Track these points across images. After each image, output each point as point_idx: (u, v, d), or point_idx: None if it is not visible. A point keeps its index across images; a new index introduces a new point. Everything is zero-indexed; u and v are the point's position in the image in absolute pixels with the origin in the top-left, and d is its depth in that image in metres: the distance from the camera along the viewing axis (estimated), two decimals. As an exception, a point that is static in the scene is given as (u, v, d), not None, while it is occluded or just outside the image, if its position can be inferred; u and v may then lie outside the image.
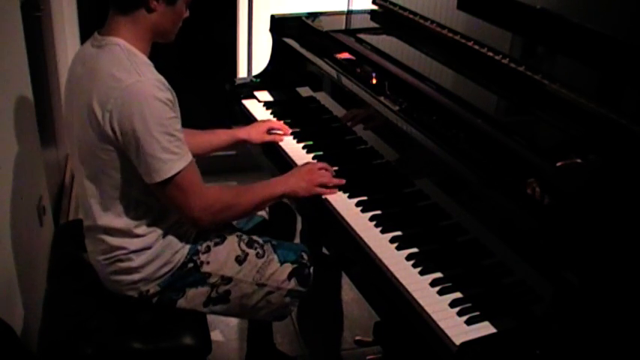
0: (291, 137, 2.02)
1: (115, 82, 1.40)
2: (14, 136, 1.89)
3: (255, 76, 2.36)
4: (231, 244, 1.67)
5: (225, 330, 2.34)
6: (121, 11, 1.46)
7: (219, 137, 1.95)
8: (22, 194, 1.91)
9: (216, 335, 2.30)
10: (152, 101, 1.39)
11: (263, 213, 1.92)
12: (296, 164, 1.87)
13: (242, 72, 3.35)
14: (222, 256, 1.64)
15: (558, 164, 1.33)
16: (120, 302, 1.60)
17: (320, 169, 1.74)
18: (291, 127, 2.06)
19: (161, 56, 1.56)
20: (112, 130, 1.41)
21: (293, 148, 1.97)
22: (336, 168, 1.82)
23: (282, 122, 2.05)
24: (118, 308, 1.60)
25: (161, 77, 1.46)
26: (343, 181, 1.73)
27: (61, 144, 2.89)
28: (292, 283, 1.69)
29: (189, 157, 1.47)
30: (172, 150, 1.43)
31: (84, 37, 3.00)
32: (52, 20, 2.80)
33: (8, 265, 1.75)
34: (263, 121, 2.05)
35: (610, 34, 1.53)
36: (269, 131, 2.01)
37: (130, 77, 1.40)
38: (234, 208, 1.60)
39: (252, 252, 1.67)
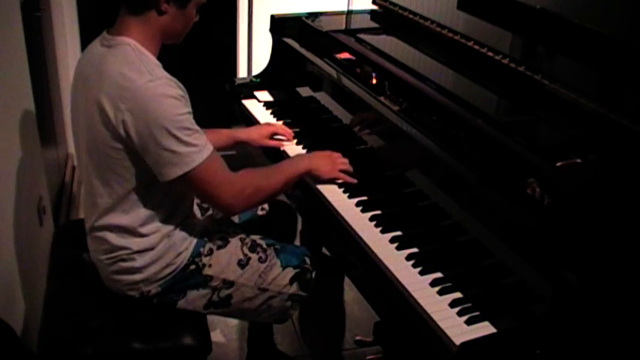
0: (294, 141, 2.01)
1: (126, 82, 1.39)
2: (14, 135, 1.89)
3: (255, 76, 2.36)
4: (234, 248, 1.66)
5: (225, 330, 2.34)
6: (131, 11, 1.46)
7: (220, 137, 1.94)
8: (22, 194, 1.91)
9: (216, 335, 2.30)
10: (166, 99, 1.39)
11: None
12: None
13: (242, 72, 3.35)
14: (224, 260, 1.64)
15: (558, 164, 1.33)
16: (120, 302, 1.60)
17: (341, 157, 1.78)
18: (290, 127, 2.05)
19: (161, 56, 1.56)
20: (126, 131, 1.41)
21: (293, 148, 1.97)
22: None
23: (285, 127, 2.01)
24: (118, 308, 1.60)
25: (172, 77, 1.45)
26: (351, 169, 1.75)
27: (61, 144, 2.89)
28: (294, 288, 1.68)
29: (210, 147, 1.47)
30: (192, 142, 1.43)
31: (84, 37, 3.00)
32: (52, 20, 2.80)
33: (8, 265, 1.75)
34: (267, 125, 2.02)
35: (610, 34, 1.53)
36: (272, 136, 1.98)
37: (141, 77, 1.39)
38: (264, 190, 1.60)
39: (254, 256, 1.67)
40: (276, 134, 1.99)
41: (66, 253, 1.78)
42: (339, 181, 1.73)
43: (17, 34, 2.01)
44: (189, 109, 1.46)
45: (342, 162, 1.76)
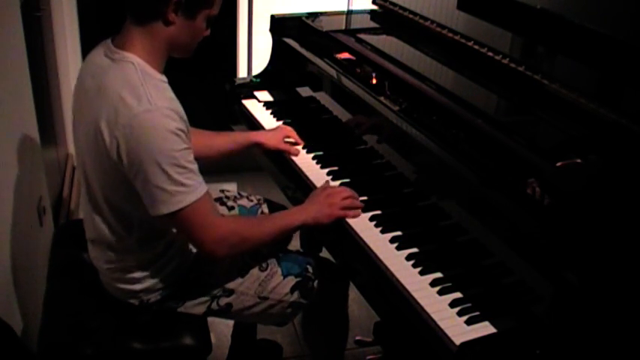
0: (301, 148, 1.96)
1: (123, 107, 1.33)
2: (14, 136, 1.89)
3: (255, 76, 2.36)
4: (235, 256, 1.65)
5: (225, 330, 2.33)
6: (137, 21, 1.38)
7: (233, 140, 1.90)
8: (22, 194, 1.91)
9: (216, 335, 2.30)
10: (162, 133, 1.31)
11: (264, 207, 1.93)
12: (295, 164, 1.86)
13: (242, 72, 3.35)
14: (224, 268, 1.63)
15: (558, 164, 1.33)
16: (120, 303, 1.60)
17: (340, 192, 1.63)
18: (290, 127, 2.04)
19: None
20: (119, 157, 1.35)
21: (303, 157, 1.93)
22: (335, 168, 1.82)
23: (295, 133, 1.96)
24: (118, 309, 1.60)
25: (174, 103, 1.38)
26: (362, 205, 1.62)
27: (61, 144, 2.89)
28: (295, 296, 1.67)
29: (202, 190, 1.39)
30: (182, 182, 1.35)
31: (84, 37, 3.00)
32: (52, 20, 2.80)
33: (8, 265, 1.75)
34: (281, 128, 1.99)
35: (610, 34, 1.53)
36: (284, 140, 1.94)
37: (140, 105, 1.31)
38: (251, 240, 1.53)
39: (255, 264, 1.66)
40: (289, 138, 1.95)
41: (66, 253, 1.78)
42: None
43: (17, 34, 2.01)
44: (188, 145, 1.37)
45: (342, 196, 1.60)
